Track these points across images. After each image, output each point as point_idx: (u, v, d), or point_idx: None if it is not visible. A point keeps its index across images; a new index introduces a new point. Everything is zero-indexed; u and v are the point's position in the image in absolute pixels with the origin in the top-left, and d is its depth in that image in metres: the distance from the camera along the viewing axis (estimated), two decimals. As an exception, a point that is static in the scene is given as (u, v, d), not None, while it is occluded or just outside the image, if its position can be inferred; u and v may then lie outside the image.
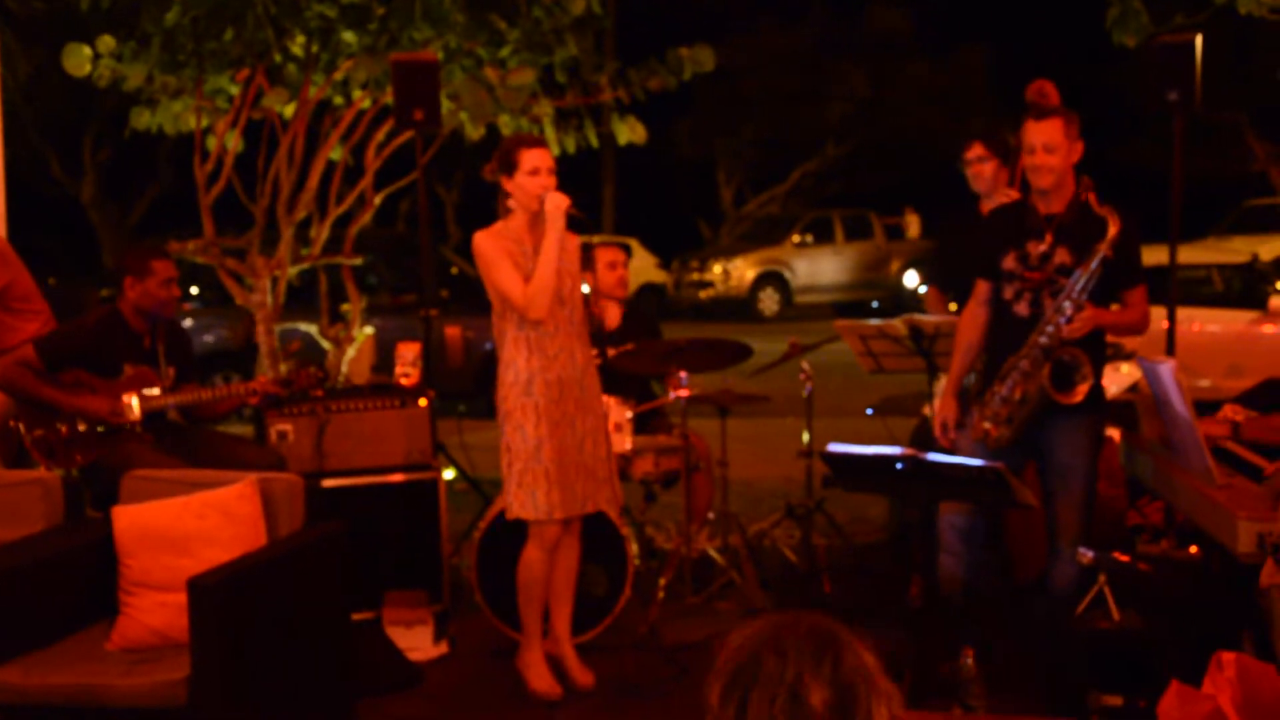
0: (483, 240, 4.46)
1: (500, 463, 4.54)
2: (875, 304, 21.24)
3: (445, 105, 6.71)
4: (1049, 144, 4.23)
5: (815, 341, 6.01)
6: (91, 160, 19.88)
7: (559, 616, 4.69)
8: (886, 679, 1.83)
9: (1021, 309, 4.32)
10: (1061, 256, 4.27)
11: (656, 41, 7.86)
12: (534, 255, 4.44)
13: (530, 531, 4.53)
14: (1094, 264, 4.18)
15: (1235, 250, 12.52)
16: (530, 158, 4.41)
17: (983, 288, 4.48)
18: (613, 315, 4.67)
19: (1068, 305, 4.20)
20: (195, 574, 3.62)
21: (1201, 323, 9.42)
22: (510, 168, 4.43)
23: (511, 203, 4.48)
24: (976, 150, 5.15)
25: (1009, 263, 4.35)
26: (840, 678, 1.79)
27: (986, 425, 4.33)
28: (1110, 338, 4.74)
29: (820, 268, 21.55)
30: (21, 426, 4.99)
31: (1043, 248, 4.29)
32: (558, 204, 4.38)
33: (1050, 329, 4.23)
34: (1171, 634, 3.84)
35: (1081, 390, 4.20)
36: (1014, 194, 4.95)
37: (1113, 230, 4.16)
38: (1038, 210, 4.34)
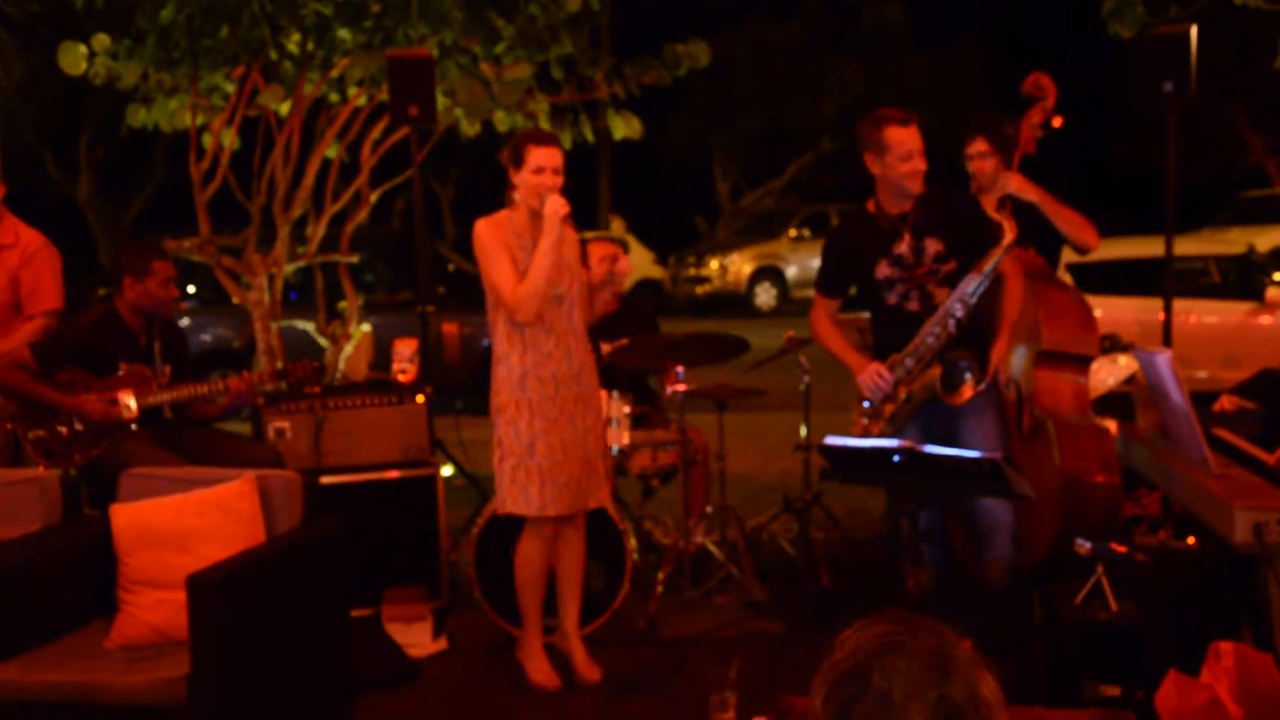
0: (484, 229, 4.43)
1: (492, 458, 4.54)
2: None
3: (441, 101, 6.71)
4: (921, 149, 4.32)
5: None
6: (87, 159, 19.84)
7: (567, 612, 4.69)
8: (1003, 710, 1.72)
9: (913, 305, 4.39)
10: (934, 246, 4.35)
11: (651, 37, 7.87)
12: (532, 250, 4.42)
13: (527, 526, 4.54)
14: (988, 268, 4.23)
15: (1232, 242, 12.51)
16: (537, 155, 4.38)
17: (826, 302, 4.67)
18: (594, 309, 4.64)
19: (958, 307, 4.26)
20: (194, 571, 3.62)
21: (1198, 314, 9.42)
22: (518, 162, 4.41)
23: (516, 195, 4.46)
24: (979, 145, 5.10)
25: (883, 270, 4.41)
26: (946, 709, 1.69)
27: (864, 421, 4.37)
28: (1106, 329, 4.75)
29: (817, 262, 21.50)
30: (19, 429, 4.98)
31: (909, 243, 4.35)
32: (556, 209, 4.35)
33: (937, 329, 4.28)
34: (1169, 624, 3.85)
35: (967, 392, 4.23)
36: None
37: (1008, 238, 4.20)
38: (886, 212, 4.41)
